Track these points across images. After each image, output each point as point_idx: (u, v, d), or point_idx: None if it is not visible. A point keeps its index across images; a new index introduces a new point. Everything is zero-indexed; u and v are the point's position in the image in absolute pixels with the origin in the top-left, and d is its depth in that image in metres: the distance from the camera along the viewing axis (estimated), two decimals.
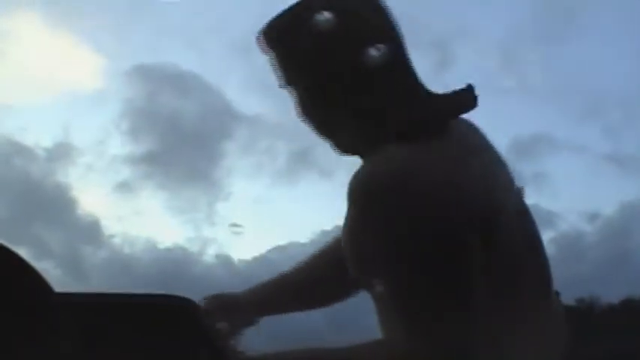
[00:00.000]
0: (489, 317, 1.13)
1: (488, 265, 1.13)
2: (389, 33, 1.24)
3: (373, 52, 1.20)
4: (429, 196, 1.12)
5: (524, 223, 1.24)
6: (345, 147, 1.27)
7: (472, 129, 1.28)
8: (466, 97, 1.23)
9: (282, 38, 1.24)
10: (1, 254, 0.90)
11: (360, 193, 1.16)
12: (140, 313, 1.01)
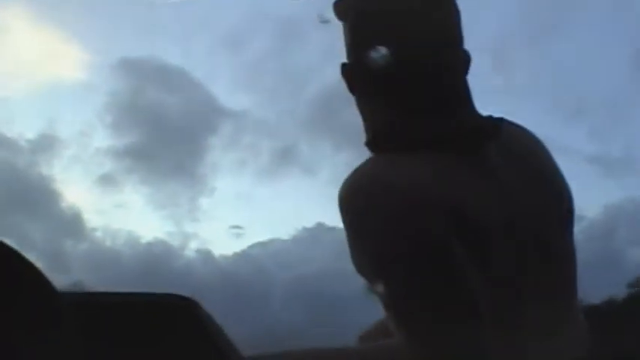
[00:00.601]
0: (494, 318, 1.12)
1: (486, 267, 1.12)
2: (449, 37, 1.24)
3: (426, 51, 1.21)
4: (405, 205, 1.12)
5: (540, 237, 1.23)
6: (368, 138, 1.26)
7: (518, 151, 1.27)
8: (492, 127, 1.24)
9: (349, 11, 1.26)
10: (3, 253, 0.88)
11: (340, 204, 1.17)
12: (142, 312, 1.00)
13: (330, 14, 1.27)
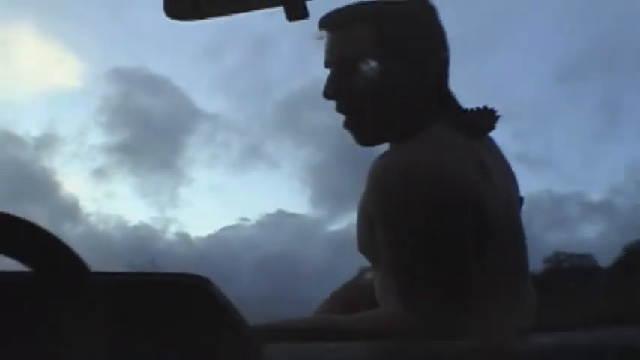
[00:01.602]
0: (480, 294, 1.17)
1: (482, 252, 1.18)
2: (428, 44, 1.28)
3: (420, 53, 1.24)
4: (432, 187, 1.17)
5: (514, 221, 1.29)
6: (368, 136, 1.30)
7: (492, 142, 1.33)
8: (490, 119, 1.30)
9: (338, 25, 1.30)
10: (40, 235, 0.87)
11: (374, 179, 1.20)
12: (160, 292, 0.99)
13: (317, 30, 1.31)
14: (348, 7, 1.30)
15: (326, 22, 1.30)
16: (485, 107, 1.32)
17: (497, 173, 1.27)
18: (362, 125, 1.32)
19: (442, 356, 1.05)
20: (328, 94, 1.31)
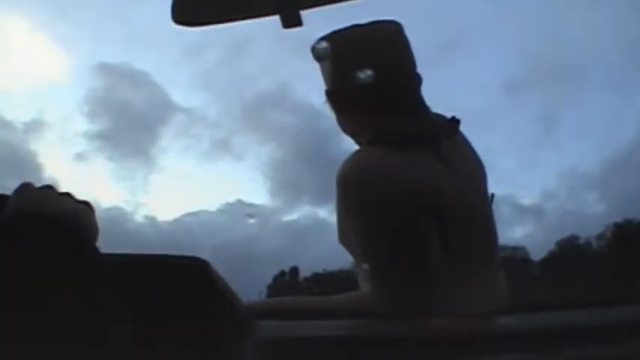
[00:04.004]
0: (446, 276, 1.18)
1: (445, 239, 1.18)
2: (395, 60, 1.28)
3: (374, 74, 1.24)
4: (390, 187, 1.18)
5: (481, 213, 1.29)
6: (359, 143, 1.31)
7: (462, 144, 1.33)
8: (450, 125, 1.30)
9: (319, 57, 1.33)
10: (53, 214, 0.83)
11: (337, 181, 1.21)
12: (165, 272, 0.97)
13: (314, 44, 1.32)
14: (316, 43, 1.33)
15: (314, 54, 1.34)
16: (452, 117, 1.34)
17: (464, 167, 1.29)
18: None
19: (412, 333, 1.05)
20: None
